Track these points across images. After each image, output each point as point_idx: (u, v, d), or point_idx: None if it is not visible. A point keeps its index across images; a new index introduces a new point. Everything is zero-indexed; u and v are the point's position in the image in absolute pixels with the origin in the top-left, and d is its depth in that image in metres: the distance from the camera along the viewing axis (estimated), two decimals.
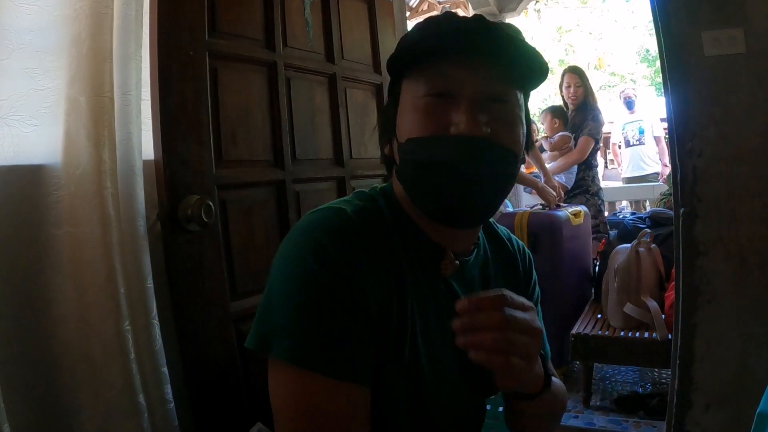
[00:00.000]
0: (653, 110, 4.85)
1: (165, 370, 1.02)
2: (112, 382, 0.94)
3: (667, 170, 4.19)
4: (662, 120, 4.24)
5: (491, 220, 0.88)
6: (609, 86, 11.65)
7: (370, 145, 1.69)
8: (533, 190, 2.66)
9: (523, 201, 3.83)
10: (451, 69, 0.66)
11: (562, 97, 3.29)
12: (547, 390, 0.71)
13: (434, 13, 5.48)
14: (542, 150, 3.08)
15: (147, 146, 1.09)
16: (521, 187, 3.40)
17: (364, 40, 1.73)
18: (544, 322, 0.74)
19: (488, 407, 1.13)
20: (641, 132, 4.61)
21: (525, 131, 0.71)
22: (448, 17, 0.69)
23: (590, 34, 11.84)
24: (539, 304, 0.89)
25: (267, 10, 1.37)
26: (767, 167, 1.33)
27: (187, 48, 1.14)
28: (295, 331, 0.61)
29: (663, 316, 1.99)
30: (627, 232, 2.56)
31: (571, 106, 3.23)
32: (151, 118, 1.10)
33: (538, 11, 9.72)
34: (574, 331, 2.11)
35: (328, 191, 1.55)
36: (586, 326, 2.18)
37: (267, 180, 1.36)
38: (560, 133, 3.16)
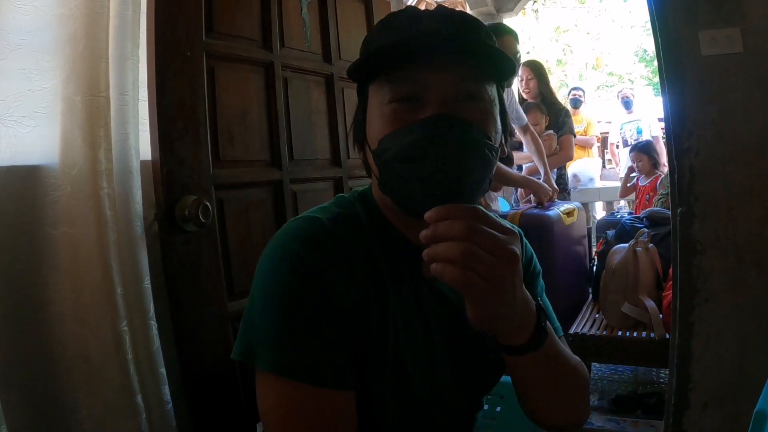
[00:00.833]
0: (651, 110, 4.86)
1: (163, 370, 1.02)
2: (109, 383, 0.94)
3: (665, 170, 4.19)
4: (660, 120, 4.25)
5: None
6: (607, 86, 11.67)
7: None
8: (523, 190, 2.66)
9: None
10: (416, 73, 0.64)
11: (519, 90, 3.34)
12: (539, 345, 0.64)
13: None
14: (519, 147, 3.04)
15: (144, 146, 1.09)
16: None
17: (361, 41, 1.72)
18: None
19: (486, 407, 1.13)
20: (639, 132, 4.62)
21: (499, 128, 0.68)
22: (410, 15, 0.67)
23: (588, 34, 11.85)
24: (540, 278, 0.88)
25: (264, 11, 1.37)
26: (764, 166, 1.33)
27: (185, 48, 1.14)
28: (277, 341, 0.62)
29: (661, 315, 1.99)
30: (625, 231, 2.56)
31: (526, 99, 3.25)
32: (148, 118, 1.10)
33: (536, 11, 9.75)
34: (572, 331, 2.11)
35: (325, 191, 1.55)
36: (584, 326, 2.19)
37: (264, 180, 1.36)
38: (548, 132, 3.17)
